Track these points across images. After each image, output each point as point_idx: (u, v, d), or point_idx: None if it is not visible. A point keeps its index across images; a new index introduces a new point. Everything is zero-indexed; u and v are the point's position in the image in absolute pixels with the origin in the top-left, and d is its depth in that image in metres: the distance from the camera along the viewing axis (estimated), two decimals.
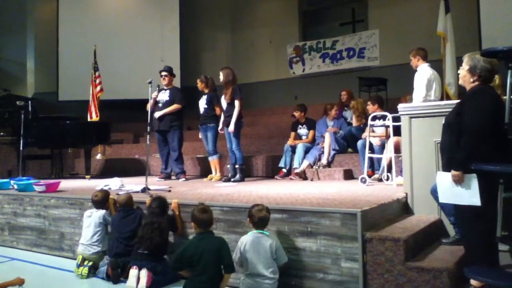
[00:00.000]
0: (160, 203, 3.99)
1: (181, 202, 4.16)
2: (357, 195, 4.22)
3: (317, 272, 3.35)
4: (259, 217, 3.34)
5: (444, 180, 3.06)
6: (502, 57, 2.94)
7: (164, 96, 6.81)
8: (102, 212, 4.35)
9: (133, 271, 3.70)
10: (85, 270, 4.09)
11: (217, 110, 6.55)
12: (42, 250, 5.10)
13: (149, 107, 6.32)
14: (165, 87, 6.88)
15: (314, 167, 6.51)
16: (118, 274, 3.91)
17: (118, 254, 4.02)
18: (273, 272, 3.24)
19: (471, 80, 3.10)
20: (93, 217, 4.34)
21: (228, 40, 12.84)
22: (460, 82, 3.27)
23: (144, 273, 3.66)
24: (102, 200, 4.41)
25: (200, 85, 6.80)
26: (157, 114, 6.68)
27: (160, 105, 6.76)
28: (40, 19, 12.48)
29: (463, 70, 3.15)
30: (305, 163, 6.58)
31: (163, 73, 6.88)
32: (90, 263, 4.14)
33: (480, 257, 2.95)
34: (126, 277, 3.79)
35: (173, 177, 6.96)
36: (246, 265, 3.29)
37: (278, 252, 3.31)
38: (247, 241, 3.31)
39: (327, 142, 6.62)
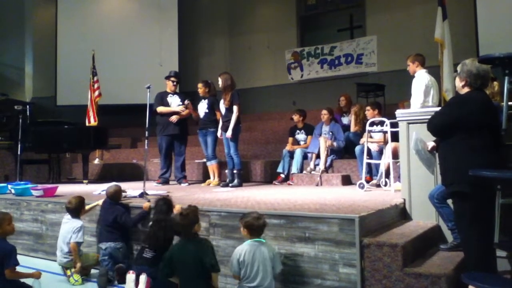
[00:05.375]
0: (166, 201, 4.04)
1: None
2: (355, 201, 4.22)
3: (314, 278, 3.35)
4: (258, 225, 3.27)
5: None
6: (498, 63, 2.97)
7: (175, 100, 6.86)
8: (76, 225, 4.27)
9: (130, 276, 3.70)
10: (76, 277, 4.11)
11: (218, 115, 6.56)
12: (39, 255, 5.08)
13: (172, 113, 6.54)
14: (172, 92, 6.90)
15: (313, 172, 6.51)
16: (106, 280, 3.96)
17: (103, 240, 4.25)
18: (269, 282, 3.19)
19: (461, 85, 3.14)
20: (66, 226, 4.32)
21: (226, 45, 12.86)
22: (456, 88, 3.31)
23: (143, 278, 3.67)
24: (76, 207, 4.36)
25: (202, 89, 6.78)
26: (175, 118, 6.69)
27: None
28: (39, 24, 12.48)
29: (456, 76, 3.19)
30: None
31: (174, 79, 6.90)
32: (73, 269, 4.16)
33: (478, 263, 2.96)
34: (120, 281, 3.89)
35: (172, 182, 6.95)
36: (243, 275, 3.21)
37: (275, 260, 3.26)
38: (246, 251, 3.21)
39: (323, 147, 6.61)
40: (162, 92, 6.90)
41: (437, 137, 3.40)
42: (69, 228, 4.27)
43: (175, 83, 6.90)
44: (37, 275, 3.61)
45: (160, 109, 6.70)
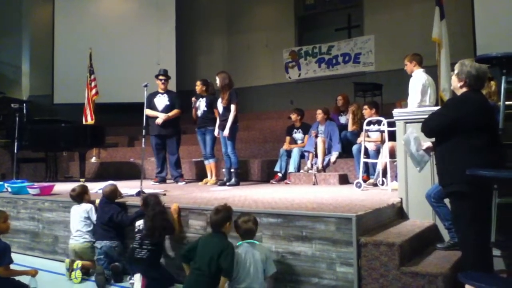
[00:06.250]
0: (155, 197, 4.08)
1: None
2: (352, 200, 4.23)
3: (312, 277, 3.35)
4: (245, 228, 3.30)
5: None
6: (495, 63, 2.97)
7: (163, 100, 6.81)
8: (87, 207, 4.43)
9: (137, 276, 3.73)
10: (78, 274, 4.09)
11: (216, 113, 6.54)
12: (35, 254, 5.07)
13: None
14: (162, 91, 6.87)
15: (310, 171, 6.51)
16: (104, 279, 3.95)
17: (98, 239, 4.24)
18: (260, 285, 3.19)
19: (459, 85, 3.14)
20: (79, 210, 4.43)
21: (224, 44, 12.85)
22: (451, 87, 3.31)
23: (138, 277, 3.68)
24: (79, 193, 4.49)
25: (199, 87, 6.75)
26: (160, 121, 6.67)
27: (160, 109, 6.77)
28: (36, 22, 12.43)
29: (453, 75, 3.19)
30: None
31: (162, 77, 6.86)
32: (80, 264, 4.14)
33: (475, 262, 2.96)
34: (116, 280, 3.95)
35: (168, 181, 6.94)
36: (236, 275, 3.21)
37: (268, 263, 3.25)
38: (237, 252, 3.24)
39: (321, 147, 6.63)
40: (152, 92, 6.83)
41: (432, 138, 3.38)
42: (81, 211, 4.40)
43: (163, 81, 6.86)
44: (33, 273, 3.60)
45: (146, 112, 6.62)
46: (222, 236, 3.36)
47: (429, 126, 3.21)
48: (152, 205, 3.94)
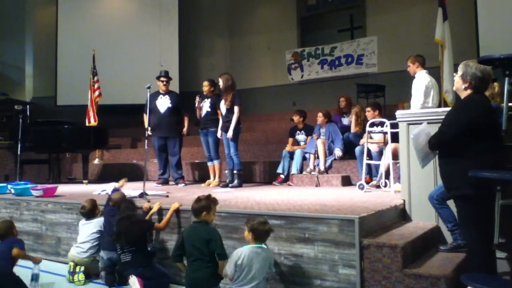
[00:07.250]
0: (130, 202, 4.11)
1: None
2: (354, 202, 4.22)
3: (314, 279, 3.35)
4: (263, 230, 3.26)
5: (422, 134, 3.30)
6: (498, 64, 2.96)
7: (165, 101, 6.80)
8: (99, 220, 4.37)
9: (133, 279, 3.73)
10: (81, 276, 4.09)
11: (219, 114, 6.54)
12: (38, 255, 5.06)
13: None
14: (163, 92, 6.86)
15: (312, 172, 6.51)
16: (112, 278, 3.98)
17: (105, 248, 4.14)
18: (263, 286, 3.20)
19: (463, 87, 3.11)
20: (89, 226, 4.35)
21: (226, 45, 12.87)
22: (454, 88, 3.28)
23: (133, 279, 3.69)
24: (90, 209, 4.40)
25: (207, 88, 6.74)
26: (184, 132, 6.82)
27: (162, 111, 6.75)
28: (39, 24, 12.49)
29: (457, 77, 3.16)
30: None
31: (163, 79, 6.86)
32: (83, 268, 4.14)
33: (481, 264, 2.95)
34: (120, 282, 3.97)
35: (171, 182, 6.95)
36: (238, 277, 3.19)
37: (270, 266, 3.27)
38: (245, 255, 3.19)
39: (321, 149, 6.62)
40: (153, 93, 6.66)
41: (445, 146, 3.28)
42: (93, 226, 4.32)
43: (164, 82, 6.85)
44: (38, 260, 3.80)
45: (144, 118, 6.66)
46: (205, 224, 3.44)
47: (447, 135, 3.07)
48: (121, 211, 3.96)
